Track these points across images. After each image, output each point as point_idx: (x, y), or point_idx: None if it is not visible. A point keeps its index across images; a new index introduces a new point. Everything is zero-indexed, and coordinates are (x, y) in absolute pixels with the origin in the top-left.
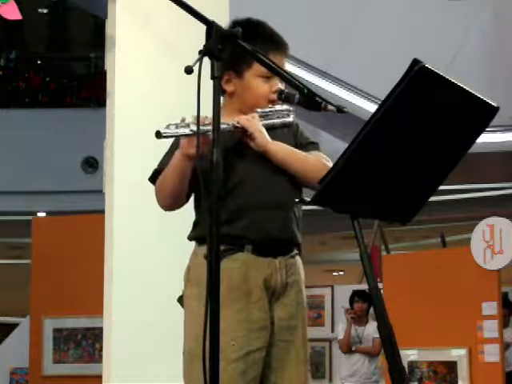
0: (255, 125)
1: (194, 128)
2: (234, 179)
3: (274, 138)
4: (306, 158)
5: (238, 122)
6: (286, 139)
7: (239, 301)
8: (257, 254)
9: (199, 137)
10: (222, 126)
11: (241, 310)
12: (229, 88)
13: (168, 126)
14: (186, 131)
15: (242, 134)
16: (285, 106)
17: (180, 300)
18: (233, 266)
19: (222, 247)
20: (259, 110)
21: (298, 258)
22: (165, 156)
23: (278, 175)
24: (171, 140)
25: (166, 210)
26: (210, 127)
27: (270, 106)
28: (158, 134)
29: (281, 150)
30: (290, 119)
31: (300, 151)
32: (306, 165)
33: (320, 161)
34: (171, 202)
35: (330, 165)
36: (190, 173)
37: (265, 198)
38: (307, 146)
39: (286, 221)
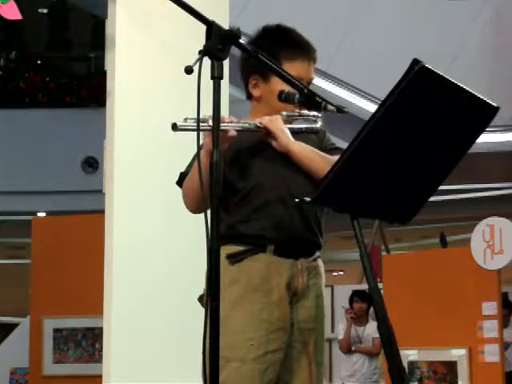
0: (278, 125)
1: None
2: (253, 179)
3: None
4: (327, 159)
5: (260, 123)
6: (311, 144)
7: (259, 301)
8: (278, 255)
9: (199, 134)
10: (245, 125)
11: (260, 311)
12: (256, 93)
13: (185, 120)
14: (204, 126)
15: (264, 135)
16: (313, 112)
17: (201, 299)
18: (254, 266)
19: (243, 247)
20: (284, 112)
21: (319, 260)
22: (192, 160)
23: (298, 175)
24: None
25: (193, 213)
26: (229, 125)
27: (297, 110)
28: (174, 127)
29: (303, 150)
30: (318, 125)
31: (322, 152)
32: (327, 165)
33: None
34: (198, 204)
35: None
36: None
37: (284, 198)
38: (331, 151)
39: (306, 220)
